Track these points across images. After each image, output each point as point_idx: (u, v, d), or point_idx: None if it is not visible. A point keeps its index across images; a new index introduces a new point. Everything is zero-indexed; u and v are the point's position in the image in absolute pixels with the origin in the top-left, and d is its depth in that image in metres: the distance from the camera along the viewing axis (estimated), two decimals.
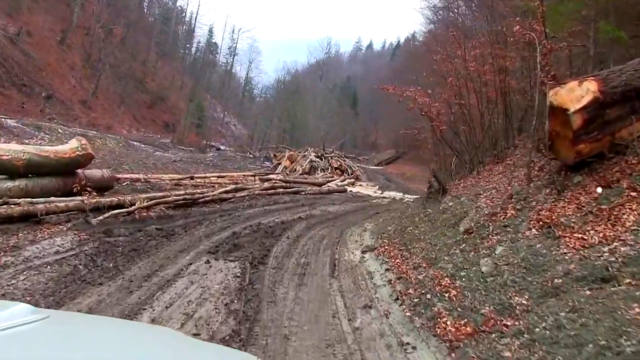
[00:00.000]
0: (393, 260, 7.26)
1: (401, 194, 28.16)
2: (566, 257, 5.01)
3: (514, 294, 4.97)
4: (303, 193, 19.10)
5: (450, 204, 7.93)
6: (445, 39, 12.75)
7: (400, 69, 52.86)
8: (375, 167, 47.88)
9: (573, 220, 5.50)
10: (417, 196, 27.66)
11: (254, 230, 10.06)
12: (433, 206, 8.77)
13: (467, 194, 8.09)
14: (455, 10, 19.96)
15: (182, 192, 13.13)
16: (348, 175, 33.75)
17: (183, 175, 19.93)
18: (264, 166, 35.74)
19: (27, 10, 42.48)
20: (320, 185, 23.46)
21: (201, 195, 13.17)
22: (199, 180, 19.62)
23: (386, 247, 8.16)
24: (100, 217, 9.33)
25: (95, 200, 10.02)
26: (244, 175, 24.59)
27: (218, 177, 22.59)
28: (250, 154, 44.09)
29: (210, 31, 76.64)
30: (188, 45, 75.87)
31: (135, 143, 36.50)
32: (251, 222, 11.13)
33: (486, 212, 6.60)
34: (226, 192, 14.74)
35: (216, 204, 13.51)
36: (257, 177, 20.44)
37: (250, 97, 79.35)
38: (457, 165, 11.46)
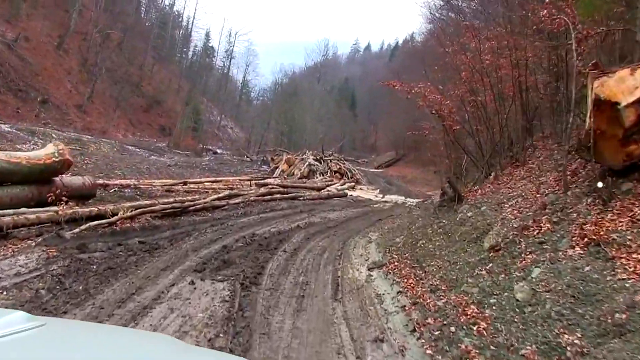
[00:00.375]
0: (405, 280, 6.23)
1: (403, 197, 27.22)
2: (626, 285, 4.02)
3: (562, 330, 3.97)
4: (301, 198, 18.11)
5: (468, 214, 6.92)
6: (457, 31, 11.72)
7: (399, 70, 51.87)
8: (375, 170, 46.91)
9: (628, 237, 4.50)
10: (420, 200, 26.74)
11: (247, 243, 9.05)
12: (448, 216, 7.75)
13: (487, 202, 7.07)
14: (461, 6, 18.90)
15: (170, 199, 12.11)
16: (348, 178, 32.78)
17: (176, 180, 18.92)
18: (261, 170, 34.77)
19: (26, 16, 41.61)
20: (319, 189, 22.48)
21: (192, 203, 12.14)
22: (192, 185, 18.62)
23: (396, 263, 7.13)
24: (77, 230, 8.31)
25: (72, 210, 8.98)
26: (240, 180, 23.62)
27: (213, 182, 21.59)
28: (247, 157, 43.16)
29: (207, 35, 75.71)
30: (185, 49, 74.91)
31: (130, 147, 35.56)
32: (245, 233, 10.13)
33: (515, 225, 5.59)
34: (219, 199, 13.73)
35: (208, 212, 12.49)
36: (252, 182, 19.43)
37: (247, 100, 78.30)
38: (468, 169, 10.43)
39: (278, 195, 16.98)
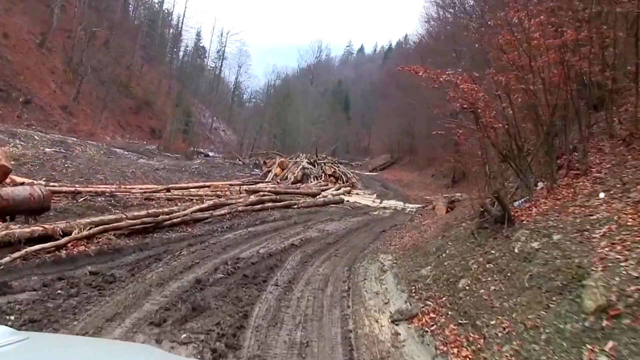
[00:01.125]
0: (455, 349, 4.20)
1: (402, 203, 25.38)
2: None
3: None
4: (295, 207, 16.14)
5: (533, 245, 4.88)
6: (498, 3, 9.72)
7: (395, 72, 50.07)
8: (370, 173, 45.02)
9: None
10: (420, 206, 24.89)
11: (228, 272, 7.01)
12: (496, 244, 5.74)
13: (557, 228, 5.04)
14: None
15: (143, 212, 10.02)
16: (343, 182, 30.85)
17: (159, 186, 16.89)
18: (253, 174, 32.88)
19: (3, 11, 39.35)
20: (314, 195, 20.51)
21: (167, 217, 10.08)
22: (176, 192, 16.60)
23: (432, 314, 5.09)
24: (5, 260, 6.24)
25: (4, 232, 6.91)
26: (229, 185, 21.67)
27: (200, 187, 19.64)
28: (239, 160, 41.24)
29: (198, 34, 73.38)
30: (175, 49, 72.57)
31: (118, 150, 33.77)
32: (228, 255, 8.14)
33: (636, 275, 3.63)
34: (201, 210, 11.72)
35: (188, 226, 10.45)
36: (242, 188, 17.40)
37: (239, 102, 76.02)
38: (495, 177, 8.44)
39: (270, 204, 14.98)
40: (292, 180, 28.54)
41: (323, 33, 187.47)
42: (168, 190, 16.09)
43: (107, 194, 13.86)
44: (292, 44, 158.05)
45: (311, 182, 28.90)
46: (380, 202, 24.52)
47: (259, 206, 14.21)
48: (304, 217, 14.38)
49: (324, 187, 26.08)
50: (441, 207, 20.80)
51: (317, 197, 20.35)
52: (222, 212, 12.15)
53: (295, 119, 57.59)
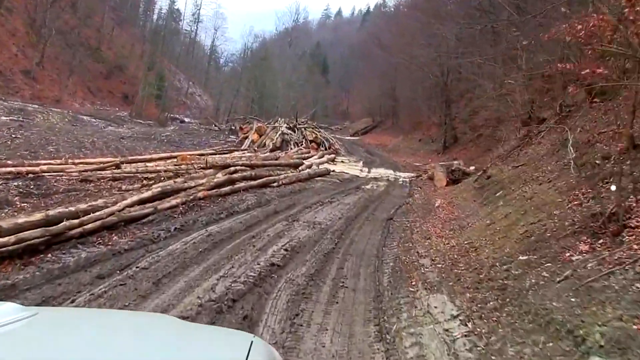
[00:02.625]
0: None
1: (392, 171, 21.75)
2: None
3: None
4: (275, 184, 12.30)
5: None
6: None
7: (376, 32, 45.56)
8: (351, 138, 41.07)
9: None
10: (412, 175, 21.31)
11: None
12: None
13: None
14: None
15: (38, 216, 5.92)
16: (326, 149, 27.00)
17: (106, 161, 12.89)
18: (229, 141, 28.83)
19: None
20: (296, 167, 16.69)
21: (77, 223, 6.07)
22: (129, 168, 12.67)
23: None
24: None
25: None
26: (200, 155, 17.77)
27: (165, 159, 15.70)
28: (215, 126, 37.34)
29: None
30: (148, 12, 66.19)
31: (85, 118, 29.90)
32: (154, 305, 4.32)
33: None
34: (142, 202, 7.72)
35: (113, 233, 6.49)
36: (208, 162, 13.33)
37: (216, 66, 70.21)
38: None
39: (242, 184, 11.06)
40: (271, 147, 24.64)
41: None
42: (117, 167, 12.10)
43: (29, 175, 9.91)
44: (270, 9, 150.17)
45: (291, 149, 25.00)
46: (369, 172, 20.85)
47: (227, 188, 10.29)
48: (287, 200, 10.56)
49: (306, 155, 22.24)
50: (441, 177, 17.16)
51: (300, 168, 16.53)
52: (174, 202, 8.20)
53: (273, 83, 52.71)
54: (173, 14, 67.22)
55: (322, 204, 10.60)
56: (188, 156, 16.57)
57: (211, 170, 12.34)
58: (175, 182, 9.91)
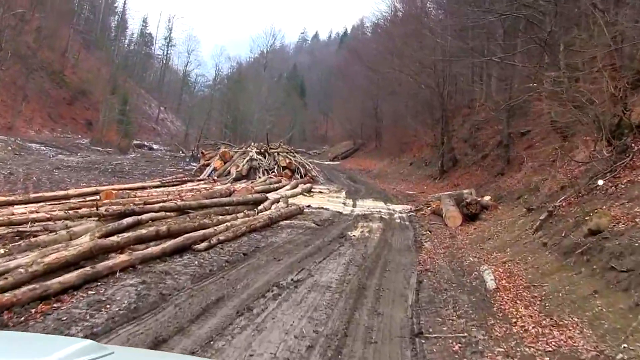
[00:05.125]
0: None
1: (382, 203, 16.53)
2: None
3: None
4: (203, 246, 6.83)
5: None
6: None
7: (357, 49, 40.70)
8: (331, 163, 35.91)
9: None
10: (408, 208, 16.13)
11: None
12: None
13: None
14: None
15: None
16: (301, 176, 21.69)
17: None
18: (187, 169, 23.56)
19: None
20: (256, 203, 11.41)
21: None
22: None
23: None
24: None
25: None
26: (140, 189, 12.98)
27: (88, 195, 10.89)
28: (182, 153, 33.06)
29: (145, 21, 61.88)
30: (117, 36, 60.67)
31: (35, 146, 26.48)
32: None
33: None
34: None
35: None
36: (98, 204, 7.82)
37: (189, 92, 64.65)
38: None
39: (124, 257, 5.60)
40: (234, 175, 19.27)
41: (277, 22, 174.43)
42: None
43: None
44: (246, 37, 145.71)
45: (259, 177, 19.65)
46: (354, 205, 15.62)
47: (87, 269, 4.83)
48: (206, 290, 5.15)
49: (276, 186, 16.97)
50: (454, 214, 11.93)
51: (261, 207, 11.17)
52: None
53: (248, 107, 47.38)
54: (145, 38, 61.92)
55: (278, 295, 5.20)
56: (114, 192, 11.40)
57: (91, 224, 6.79)
58: None
